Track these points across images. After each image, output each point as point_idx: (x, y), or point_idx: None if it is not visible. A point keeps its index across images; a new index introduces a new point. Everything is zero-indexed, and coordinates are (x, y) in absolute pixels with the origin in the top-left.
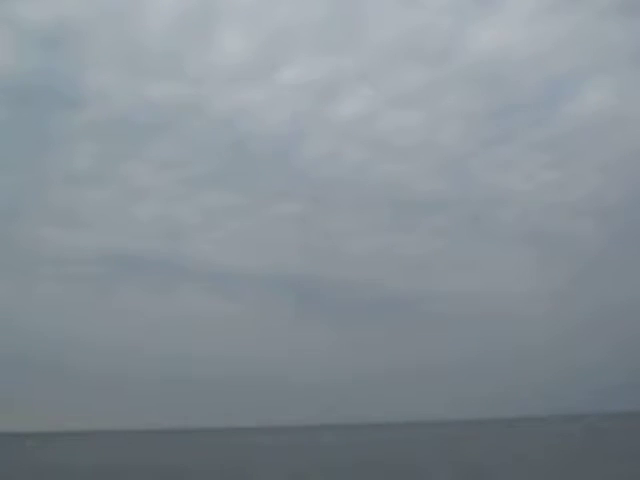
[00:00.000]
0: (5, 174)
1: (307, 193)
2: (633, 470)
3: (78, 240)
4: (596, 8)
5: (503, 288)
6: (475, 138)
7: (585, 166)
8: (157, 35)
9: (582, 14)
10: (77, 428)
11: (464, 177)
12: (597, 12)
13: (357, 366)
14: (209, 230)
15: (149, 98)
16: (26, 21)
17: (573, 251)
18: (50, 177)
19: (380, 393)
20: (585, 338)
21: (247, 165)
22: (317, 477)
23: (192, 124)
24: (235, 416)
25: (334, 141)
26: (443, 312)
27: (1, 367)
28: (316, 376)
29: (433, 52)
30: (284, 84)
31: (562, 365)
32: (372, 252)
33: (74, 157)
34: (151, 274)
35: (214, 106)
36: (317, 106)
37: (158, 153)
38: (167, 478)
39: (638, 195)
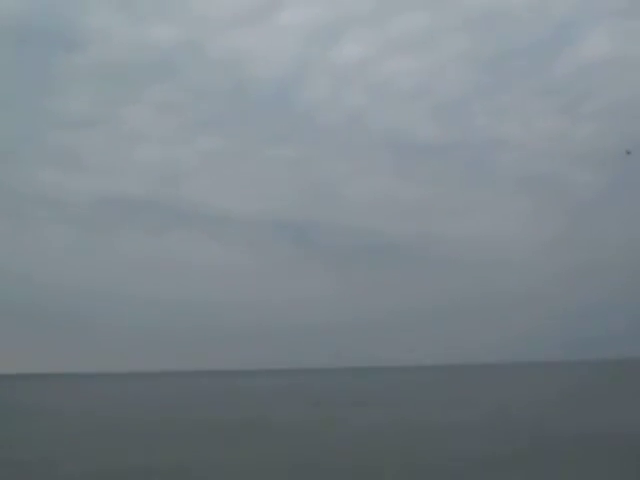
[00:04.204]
0: (1, 116)
1: (306, 137)
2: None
3: (75, 183)
4: None
5: (501, 233)
6: (475, 83)
7: (585, 112)
8: None
9: None
10: (63, 370)
11: (463, 123)
12: None
13: (355, 310)
14: (207, 174)
15: (148, 40)
16: None
17: (571, 197)
18: (47, 119)
19: (378, 337)
20: (582, 284)
21: (245, 109)
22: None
23: (191, 67)
24: (233, 359)
25: (332, 85)
26: (440, 257)
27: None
28: (314, 320)
29: None
30: (284, 27)
31: (560, 310)
32: (370, 197)
33: (72, 99)
34: (147, 217)
35: (214, 49)
36: (317, 50)
37: (156, 96)
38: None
39: (637, 141)
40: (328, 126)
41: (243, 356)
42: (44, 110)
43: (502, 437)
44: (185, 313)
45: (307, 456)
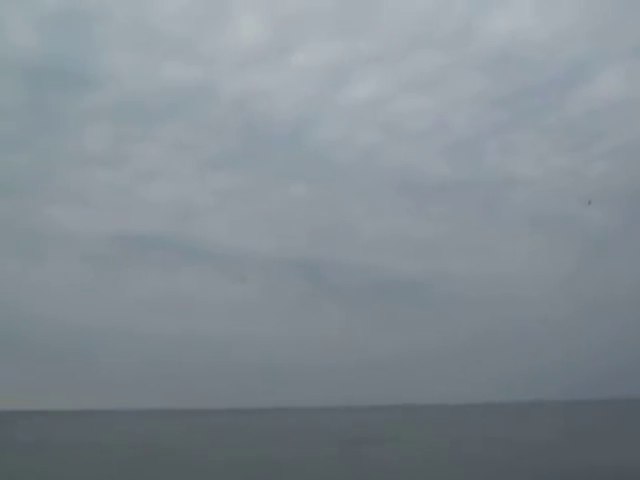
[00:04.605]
0: (18, 154)
1: (318, 176)
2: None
3: (89, 221)
4: None
5: (514, 271)
6: (487, 122)
7: (597, 151)
8: (171, 17)
9: None
10: (72, 408)
11: (475, 161)
12: None
13: (366, 349)
14: (220, 212)
15: (162, 80)
16: (42, 3)
17: (583, 235)
18: (62, 157)
19: (389, 375)
20: (594, 321)
21: (258, 148)
22: (321, 455)
23: (204, 106)
24: (242, 397)
25: (346, 124)
26: (452, 295)
27: (7, 349)
28: (325, 358)
29: (446, 36)
30: (297, 67)
31: (572, 347)
32: (382, 235)
33: (87, 138)
34: (161, 255)
35: (227, 89)
36: (329, 89)
37: (170, 135)
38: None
39: None
40: (341, 164)
41: (255, 393)
42: (58, 148)
43: (507, 473)
44: (197, 350)
45: None
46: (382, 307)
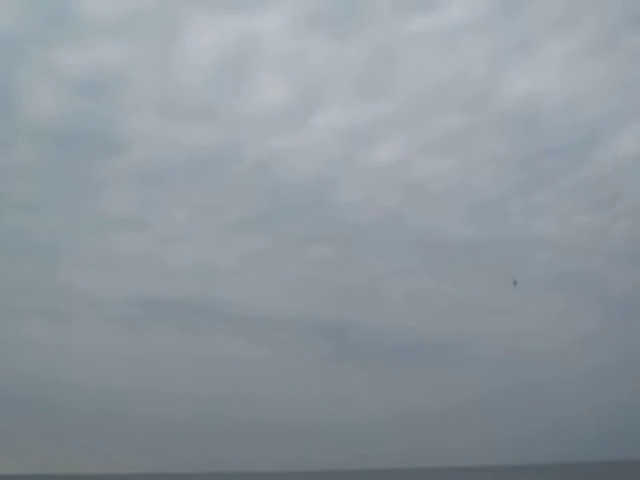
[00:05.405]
0: (42, 217)
1: (340, 238)
2: None
3: (112, 284)
4: (630, 53)
5: (535, 330)
6: (509, 183)
7: (620, 209)
8: (194, 81)
9: (616, 59)
10: (104, 471)
11: (497, 221)
12: (631, 57)
13: (390, 411)
14: (243, 274)
15: (185, 143)
16: (66, 69)
17: (605, 294)
18: (86, 221)
19: (412, 437)
20: (616, 380)
21: (281, 209)
22: None
23: (228, 169)
24: (264, 460)
25: (368, 187)
26: (476, 355)
27: (31, 411)
28: (348, 420)
29: (468, 98)
30: (319, 130)
31: (591, 407)
32: (405, 296)
33: (110, 201)
34: (185, 318)
35: (249, 152)
36: (351, 152)
37: (193, 198)
38: None
39: None
40: (363, 226)
41: (275, 456)
42: (81, 211)
43: None
44: (221, 411)
45: None
46: (405, 368)
